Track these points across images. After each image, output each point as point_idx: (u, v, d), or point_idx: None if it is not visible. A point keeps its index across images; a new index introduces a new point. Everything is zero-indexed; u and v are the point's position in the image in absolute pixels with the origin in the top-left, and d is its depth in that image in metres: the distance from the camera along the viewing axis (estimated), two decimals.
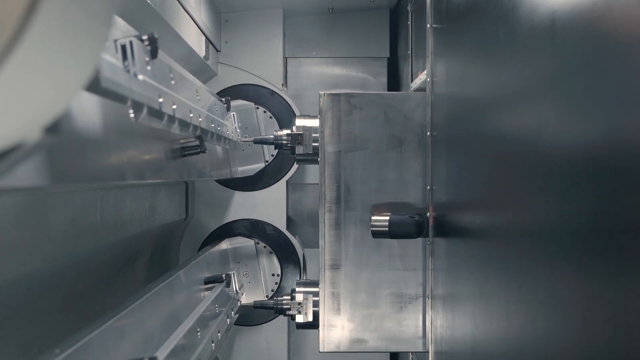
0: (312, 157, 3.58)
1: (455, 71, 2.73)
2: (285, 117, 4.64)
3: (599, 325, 1.28)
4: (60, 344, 1.72)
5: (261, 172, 4.71)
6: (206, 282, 3.47)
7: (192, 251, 4.62)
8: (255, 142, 4.04)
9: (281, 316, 4.30)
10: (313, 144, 3.55)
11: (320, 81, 4.95)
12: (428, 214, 3.20)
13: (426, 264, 3.29)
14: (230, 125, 3.66)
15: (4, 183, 1.03)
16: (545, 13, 1.56)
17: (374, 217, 3.31)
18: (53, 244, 2.35)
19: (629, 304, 1.17)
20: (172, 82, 2.10)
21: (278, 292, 4.68)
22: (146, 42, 1.71)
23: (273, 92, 4.70)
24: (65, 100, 1.01)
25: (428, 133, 3.23)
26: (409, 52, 3.95)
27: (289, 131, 3.66)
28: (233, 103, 4.09)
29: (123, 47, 1.58)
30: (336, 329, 3.37)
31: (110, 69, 1.45)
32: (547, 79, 1.58)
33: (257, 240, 4.70)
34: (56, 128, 1.09)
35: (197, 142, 2.51)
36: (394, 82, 4.88)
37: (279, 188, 4.75)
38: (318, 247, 3.38)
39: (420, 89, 3.43)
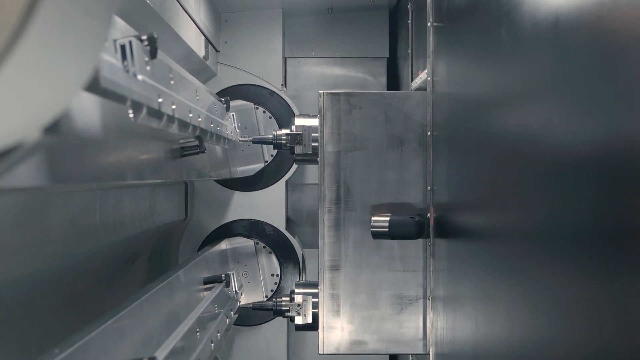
0: (311, 157, 3.56)
1: (456, 70, 2.72)
2: (284, 117, 4.64)
3: (603, 326, 1.28)
4: (59, 344, 1.72)
5: (260, 172, 4.71)
6: (205, 282, 3.47)
7: (192, 251, 4.62)
8: (254, 141, 4.03)
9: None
10: (312, 144, 3.53)
11: (319, 81, 4.95)
12: (429, 214, 3.19)
13: (427, 265, 3.28)
14: (230, 126, 3.66)
15: (4, 183, 1.03)
16: (548, 11, 1.55)
17: (374, 218, 3.30)
18: (52, 244, 2.35)
19: (633, 306, 1.16)
20: (172, 82, 2.09)
21: (277, 292, 4.67)
22: (145, 42, 1.71)
23: (272, 92, 4.70)
24: (65, 100, 1.00)
25: (429, 133, 3.22)
26: (409, 51, 3.94)
27: (288, 131, 3.64)
28: (232, 103, 4.09)
29: (122, 47, 1.57)
30: (336, 331, 3.36)
31: (110, 69, 1.44)
32: (549, 78, 1.57)
33: (256, 241, 4.70)
34: (55, 128, 1.09)
35: (197, 142, 2.50)
36: (394, 82, 4.88)
37: (279, 188, 4.75)
38: (317, 247, 3.37)
39: (421, 88, 3.43)
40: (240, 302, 3.97)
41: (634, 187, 1.16)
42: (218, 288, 3.46)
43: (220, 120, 3.21)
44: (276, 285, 4.71)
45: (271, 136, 3.77)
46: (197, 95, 2.61)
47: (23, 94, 0.81)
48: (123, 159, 1.76)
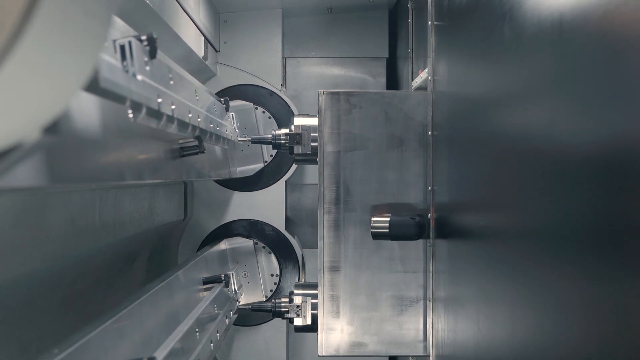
0: (310, 157, 3.55)
1: (457, 69, 2.71)
2: (284, 117, 4.63)
3: (605, 327, 1.27)
4: (59, 344, 1.72)
5: (260, 173, 4.71)
6: (205, 283, 3.47)
7: (191, 251, 4.62)
8: (253, 141, 4.03)
9: None
10: (312, 144, 3.52)
11: (319, 81, 4.95)
12: (429, 215, 3.19)
13: (427, 266, 3.27)
14: (229, 126, 3.66)
15: (3, 183, 1.03)
16: (552, 9, 1.54)
17: (374, 218, 3.29)
18: (52, 244, 2.35)
19: (635, 306, 1.16)
20: (171, 82, 2.09)
21: (277, 292, 4.67)
22: (145, 43, 1.70)
23: (272, 93, 4.70)
24: (64, 100, 1.00)
25: (429, 132, 3.21)
26: (410, 50, 3.93)
27: (287, 130, 3.63)
28: (232, 103, 4.09)
29: (122, 47, 1.57)
30: (335, 333, 3.35)
31: (109, 69, 1.44)
32: (551, 77, 1.57)
33: (255, 241, 4.70)
34: (55, 128, 1.09)
35: (196, 143, 2.50)
36: (393, 82, 4.88)
37: (278, 188, 4.75)
38: (317, 247, 3.36)
39: (421, 87, 3.42)
40: (239, 302, 3.97)
41: (634, 187, 1.15)
42: (217, 288, 3.46)
43: (219, 121, 3.21)
44: (275, 285, 4.71)
45: (270, 136, 3.77)
46: (196, 96, 2.61)
47: (23, 94, 0.81)
48: (122, 159, 1.76)
